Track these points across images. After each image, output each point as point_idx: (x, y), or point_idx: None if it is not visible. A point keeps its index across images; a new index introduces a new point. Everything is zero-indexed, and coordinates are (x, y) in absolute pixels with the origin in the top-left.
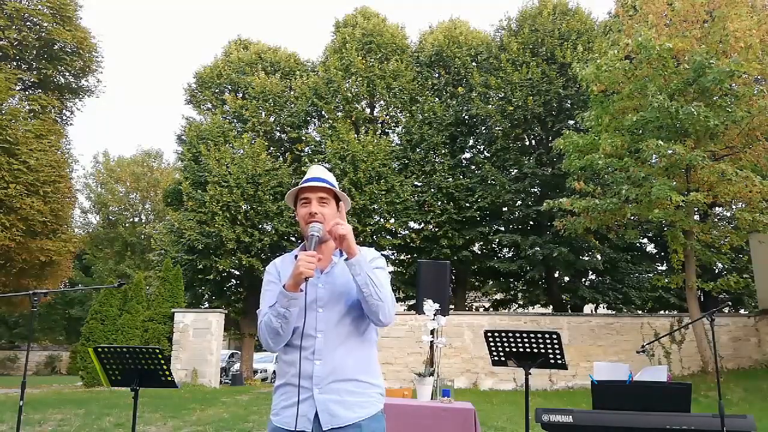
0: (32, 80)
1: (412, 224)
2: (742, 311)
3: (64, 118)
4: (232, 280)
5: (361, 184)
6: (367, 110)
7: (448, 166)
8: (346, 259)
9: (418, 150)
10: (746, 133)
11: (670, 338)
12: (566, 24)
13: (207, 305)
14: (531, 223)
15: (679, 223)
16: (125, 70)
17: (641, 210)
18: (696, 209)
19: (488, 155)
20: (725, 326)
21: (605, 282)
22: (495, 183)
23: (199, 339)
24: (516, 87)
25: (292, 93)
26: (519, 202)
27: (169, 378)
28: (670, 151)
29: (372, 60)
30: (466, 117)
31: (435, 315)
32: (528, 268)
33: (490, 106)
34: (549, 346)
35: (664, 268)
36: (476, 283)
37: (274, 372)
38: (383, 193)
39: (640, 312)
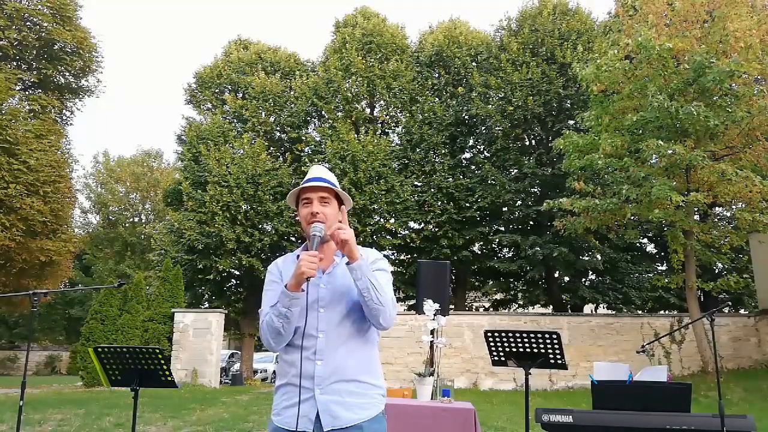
0: (32, 80)
1: (412, 224)
2: (742, 311)
3: (64, 118)
4: (232, 280)
5: (361, 184)
6: (367, 110)
7: (448, 166)
8: (348, 263)
9: (418, 150)
10: (746, 133)
11: (670, 338)
12: (566, 24)
13: (207, 305)
14: (531, 223)
15: (679, 223)
16: (125, 70)
17: (641, 210)
18: (696, 209)
19: (488, 155)
20: (725, 326)
21: (605, 282)
22: (495, 183)
23: (199, 339)
24: (516, 87)
25: (292, 93)
26: (519, 202)
27: (169, 378)
28: (670, 151)
29: (372, 60)
30: (466, 117)
31: (435, 315)
32: (528, 268)
33: (490, 106)
34: (549, 346)
35: (664, 268)
36: (476, 283)
37: (274, 372)
38: (383, 193)
39: (640, 312)
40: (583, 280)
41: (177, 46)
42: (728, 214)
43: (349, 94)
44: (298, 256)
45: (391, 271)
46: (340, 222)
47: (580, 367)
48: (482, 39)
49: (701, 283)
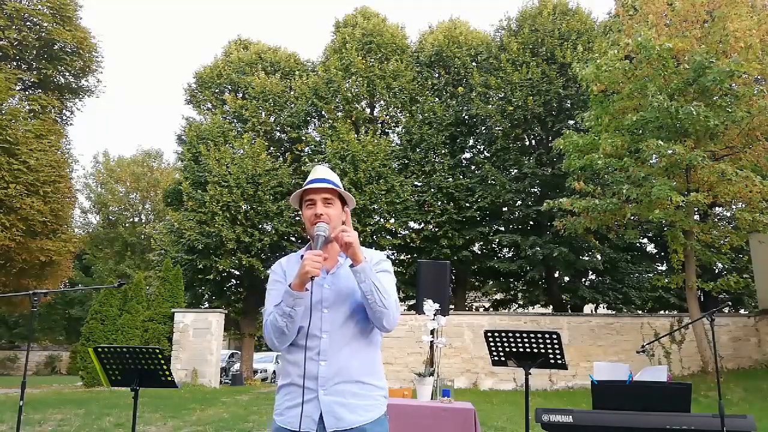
0: (32, 80)
1: (412, 224)
2: (742, 311)
3: (64, 118)
4: (232, 280)
5: (361, 184)
6: (367, 110)
7: (448, 166)
8: (352, 266)
9: (418, 150)
10: (746, 133)
11: (670, 338)
12: (566, 24)
13: (207, 305)
14: (531, 223)
15: (679, 223)
16: (125, 70)
17: (641, 210)
18: (696, 209)
19: (488, 155)
20: (725, 326)
21: (605, 282)
22: (495, 183)
23: (199, 339)
24: (516, 87)
25: (292, 93)
26: (519, 202)
27: (169, 378)
28: (670, 151)
29: (372, 60)
30: (466, 117)
31: (435, 315)
32: (528, 268)
33: (490, 106)
34: (549, 346)
35: (664, 268)
36: (476, 283)
37: (274, 372)
38: (383, 193)
39: (640, 312)
40: (583, 280)
41: (177, 46)
42: (728, 214)
43: (349, 94)
44: (302, 256)
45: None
46: (344, 222)
47: (580, 367)
48: (482, 39)
49: (701, 283)
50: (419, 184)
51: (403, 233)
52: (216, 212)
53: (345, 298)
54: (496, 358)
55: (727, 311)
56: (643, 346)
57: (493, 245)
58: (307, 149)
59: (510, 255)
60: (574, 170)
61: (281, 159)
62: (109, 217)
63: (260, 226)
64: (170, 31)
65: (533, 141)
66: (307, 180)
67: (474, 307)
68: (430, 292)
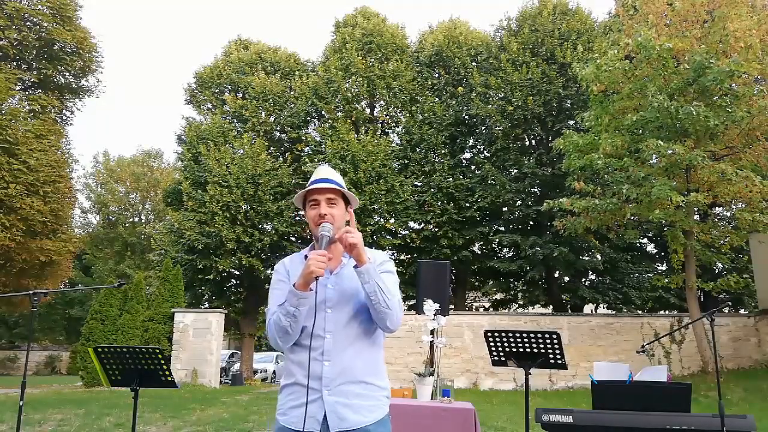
0: (32, 80)
1: (412, 224)
2: (742, 311)
3: (64, 118)
4: (232, 280)
5: (361, 184)
6: (367, 110)
7: (448, 166)
8: (355, 267)
9: (418, 150)
10: (746, 133)
11: (670, 338)
12: (566, 24)
13: (207, 305)
14: (531, 223)
15: (679, 223)
16: (125, 70)
17: (641, 210)
18: (696, 209)
19: (488, 155)
20: (725, 326)
21: (605, 282)
22: (495, 183)
23: (199, 339)
24: (516, 87)
25: (292, 93)
26: (519, 202)
27: (169, 378)
28: (670, 151)
29: (372, 60)
30: (466, 117)
31: (435, 315)
32: (528, 268)
33: (490, 106)
34: (549, 346)
35: (664, 268)
36: (476, 283)
37: (274, 372)
38: (383, 193)
39: (640, 312)
40: (583, 280)
41: (177, 46)
42: (728, 214)
43: (349, 94)
44: (305, 256)
45: None
46: (348, 222)
47: (580, 367)
48: (482, 39)
49: (701, 283)
50: (419, 184)
51: (403, 233)
52: (216, 212)
53: (349, 299)
54: (496, 358)
55: (727, 311)
56: (643, 346)
57: (493, 245)
58: (307, 149)
59: (510, 255)
60: (574, 170)
61: (281, 159)
62: (109, 217)
63: (260, 226)
64: (170, 31)
65: (533, 141)
66: (311, 180)
67: (474, 307)
68: (430, 292)
